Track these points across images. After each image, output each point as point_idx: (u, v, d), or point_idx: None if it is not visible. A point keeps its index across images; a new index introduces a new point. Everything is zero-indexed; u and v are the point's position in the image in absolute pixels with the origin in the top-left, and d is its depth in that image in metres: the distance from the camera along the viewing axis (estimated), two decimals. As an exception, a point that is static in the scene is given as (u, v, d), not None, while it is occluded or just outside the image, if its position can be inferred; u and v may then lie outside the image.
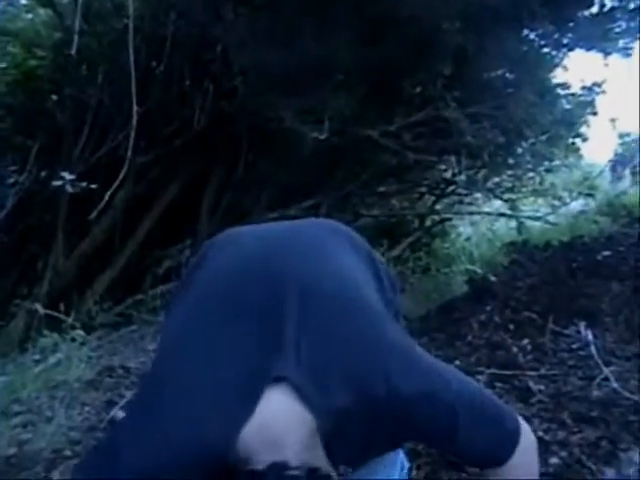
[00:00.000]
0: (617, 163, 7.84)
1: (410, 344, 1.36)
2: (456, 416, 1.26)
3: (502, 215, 7.32)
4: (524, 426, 1.36)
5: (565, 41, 6.13)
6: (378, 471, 1.59)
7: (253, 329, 1.28)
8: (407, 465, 1.83)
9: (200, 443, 1.15)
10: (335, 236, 1.65)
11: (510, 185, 7.55)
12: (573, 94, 6.75)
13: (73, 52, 4.21)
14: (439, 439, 1.39)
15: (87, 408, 3.39)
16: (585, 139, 7.22)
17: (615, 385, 2.75)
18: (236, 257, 1.53)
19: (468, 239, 7.58)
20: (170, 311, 1.58)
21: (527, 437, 1.35)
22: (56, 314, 4.52)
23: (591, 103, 6.75)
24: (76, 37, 4.14)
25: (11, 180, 5.82)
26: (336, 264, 1.50)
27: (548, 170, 7.49)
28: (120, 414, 3.15)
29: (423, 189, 7.93)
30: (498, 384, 2.98)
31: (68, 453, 2.91)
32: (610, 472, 2.10)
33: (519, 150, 6.90)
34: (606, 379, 2.83)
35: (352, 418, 1.21)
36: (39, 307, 4.50)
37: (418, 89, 5.78)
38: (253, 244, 1.56)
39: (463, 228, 8.46)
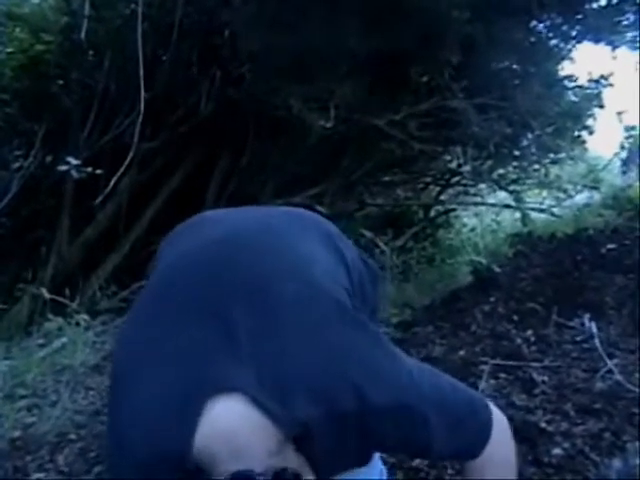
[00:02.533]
0: (628, 157, 7.81)
1: (380, 350, 1.29)
2: (428, 426, 1.23)
3: (507, 206, 7.31)
4: (496, 413, 1.35)
5: (573, 33, 6.11)
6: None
7: (207, 332, 1.23)
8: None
9: (156, 452, 1.12)
10: (304, 228, 1.59)
11: (515, 177, 7.56)
12: (580, 86, 6.73)
13: (82, 36, 4.21)
14: (413, 449, 1.40)
15: (92, 392, 3.41)
16: (591, 132, 7.20)
17: (618, 377, 2.75)
18: (197, 249, 1.46)
19: (473, 230, 7.57)
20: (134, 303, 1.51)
21: (499, 424, 1.35)
22: (60, 299, 4.53)
23: (598, 96, 6.72)
24: (85, 21, 4.14)
25: (16, 165, 5.83)
26: (301, 261, 1.42)
27: (553, 162, 7.47)
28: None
29: (428, 179, 7.95)
30: (502, 375, 2.99)
31: (73, 437, 2.93)
32: (616, 462, 2.11)
33: (525, 142, 6.90)
34: (610, 371, 2.83)
35: (321, 430, 1.17)
36: (44, 291, 4.51)
37: (425, 78, 5.77)
38: (216, 238, 1.49)
39: (468, 219, 8.47)
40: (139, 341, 1.30)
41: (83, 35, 4.34)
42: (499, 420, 1.36)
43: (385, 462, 1.76)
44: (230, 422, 1.12)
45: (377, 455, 1.69)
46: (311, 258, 1.44)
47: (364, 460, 1.37)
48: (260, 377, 1.15)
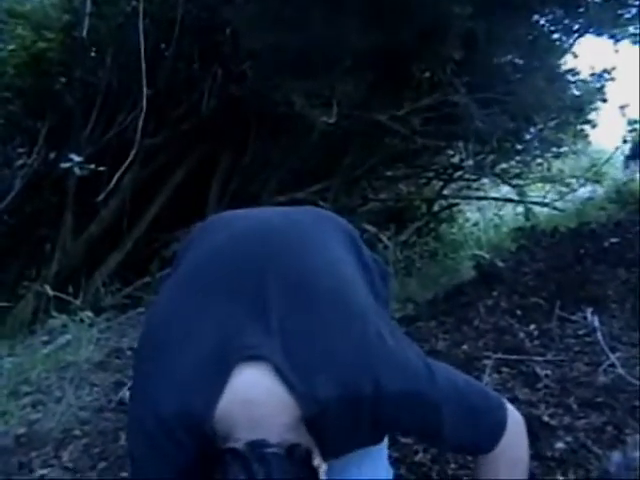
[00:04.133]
0: (634, 151, 7.77)
1: (397, 340, 1.36)
2: (440, 414, 1.29)
3: (510, 201, 7.32)
4: (511, 413, 1.40)
5: (575, 27, 6.10)
6: (363, 465, 1.56)
7: (239, 309, 1.30)
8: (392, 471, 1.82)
9: (181, 410, 1.19)
10: (325, 225, 1.66)
11: (518, 171, 7.54)
12: (583, 80, 6.72)
13: (84, 34, 4.21)
14: (424, 434, 1.47)
15: (96, 389, 3.42)
16: (594, 125, 7.20)
17: (621, 371, 2.75)
18: (227, 240, 1.53)
19: (476, 224, 7.58)
20: (160, 288, 1.60)
21: (514, 423, 1.39)
22: (64, 296, 4.54)
23: (600, 89, 6.71)
24: (87, 19, 4.14)
25: (19, 162, 5.84)
26: (326, 255, 1.50)
27: (556, 156, 7.47)
28: (128, 395, 3.18)
29: (431, 174, 7.92)
30: (504, 369, 2.99)
31: (77, 433, 2.94)
32: (616, 455, 2.11)
33: (527, 136, 6.90)
34: (612, 365, 2.83)
35: (335, 411, 1.22)
36: (48, 289, 4.52)
37: (427, 74, 5.76)
38: (245, 229, 1.56)
39: (470, 213, 8.46)
40: (173, 317, 1.37)
41: (85, 32, 4.35)
42: (515, 420, 1.41)
43: (388, 456, 1.76)
44: (253, 391, 1.19)
45: (385, 453, 1.71)
46: (341, 257, 1.52)
47: (374, 441, 1.43)
48: (286, 352, 1.22)
